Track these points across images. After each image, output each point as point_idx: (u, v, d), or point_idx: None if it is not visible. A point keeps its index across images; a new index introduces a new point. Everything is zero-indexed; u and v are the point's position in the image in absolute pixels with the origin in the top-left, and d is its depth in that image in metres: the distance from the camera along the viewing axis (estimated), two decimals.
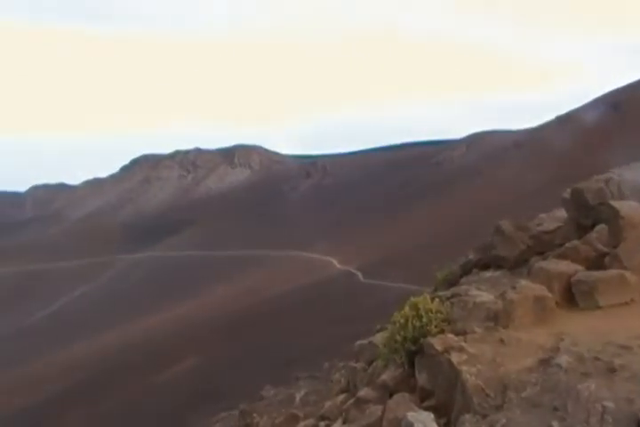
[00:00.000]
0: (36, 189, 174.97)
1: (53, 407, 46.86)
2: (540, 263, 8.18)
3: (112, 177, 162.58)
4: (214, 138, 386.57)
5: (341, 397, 8.98)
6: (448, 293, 9.00)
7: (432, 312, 7.41)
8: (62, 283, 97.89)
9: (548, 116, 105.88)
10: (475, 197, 76.14)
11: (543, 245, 9.57)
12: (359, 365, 9.58)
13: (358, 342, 10.37)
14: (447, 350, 6.50)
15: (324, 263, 68.77)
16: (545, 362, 6.01)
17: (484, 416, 5.62)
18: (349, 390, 9.14)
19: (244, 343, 45.73)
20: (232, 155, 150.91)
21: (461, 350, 6.46)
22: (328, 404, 9.23)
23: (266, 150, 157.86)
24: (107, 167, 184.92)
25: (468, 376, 6.00)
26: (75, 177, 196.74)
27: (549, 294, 7.28)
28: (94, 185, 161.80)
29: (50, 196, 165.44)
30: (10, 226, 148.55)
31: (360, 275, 59.07)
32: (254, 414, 13.62)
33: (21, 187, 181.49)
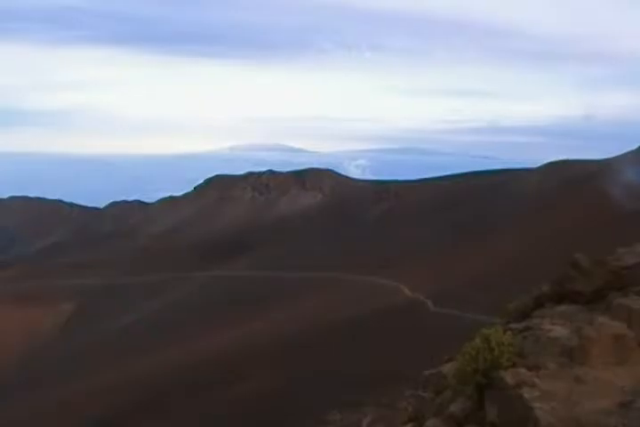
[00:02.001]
0: (114, 205, 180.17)
1: (122, 420, 47.69)
2: (619, 300, 7.95)
3: (186, 196, 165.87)
4: (287, 161, 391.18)
5: (409, 426, 8.89)
6: (520, 325, 8.83)
7: (504, 345, 7.29)
8: (135, 297, 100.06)
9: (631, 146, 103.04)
10: (549, 228, 74.54)
11: (622, 281, 9.31)
12: (427, 394, 9.47)
13: (427, 372, 10.25)
14: (519, 385, 6.36)
15: (394, 289, 68.20)
16: (625, 405, 5.81)
17: None
18: (417, 419, 9.04)
19: (307, 367, 45.66)
20: (304, 178, 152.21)
21: (534, 385, 6.32)
22: None
23: (337, 174, 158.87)
24: (182, 187, 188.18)
25: (540, 413, 5.86)
26: (151, 195, 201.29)
27: (630, 333, 7.06)
28: (169, 203, 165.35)
29: (127, 213, 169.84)
30: (89, 240, 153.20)
31: (430, 303, 58.35)
32: None
33: (101, 203, 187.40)
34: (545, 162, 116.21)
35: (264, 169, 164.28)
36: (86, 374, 66.01)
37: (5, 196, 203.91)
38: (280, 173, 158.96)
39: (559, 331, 7.86)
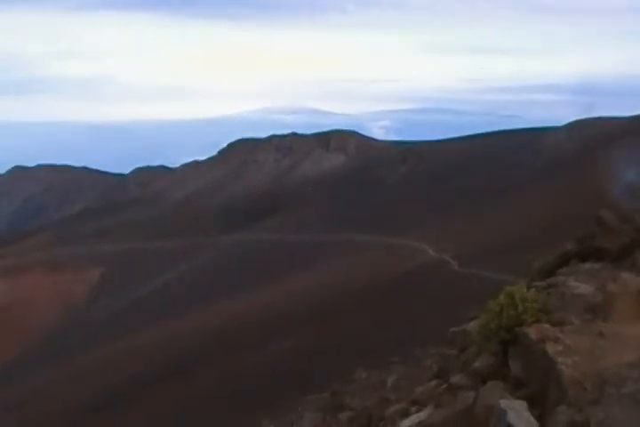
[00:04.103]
0: (138, 171, 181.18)
1: (150, 380, 48.80)
2: None
3: (210, 160, 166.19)
4: (311, 123, 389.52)
5: (433, 382, 9.02)
6: (544, 283, 8.87)
7: (528, 301, 7.33)
8: (162, 262, 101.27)
9: None
10: (575, 187, 73.82)
11: None
12: (452, 352, 9.58)
13: (451, 330, 10.35)
14: (542, 340, 6.42)
15: (419, 251, 68.28)
16: None
17: (580, 409, 5.53)
18: (441, 376, 9.16)
19: (336, 328, 46.18)
20: (328, 140, 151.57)
21: (557, 340, 6.37)
22: (419, 389, 9.29)
23: (362, 136, 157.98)
24: (206, 151, 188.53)
25: (563, 368, 5.92)
26: (174, 160, 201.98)
27: None
28: (193, 168, 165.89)
29: (151, 178, 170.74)
30: (114, 206, 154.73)
31: (455, 263, 58.37)
32: (345, 396, 13.78)
33: (125, 169, 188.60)
34: (571, 120, 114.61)
35: (288, 132, 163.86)
36: (117, 338, 67.37)
37: (32, 164, 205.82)
38: (303, 136, 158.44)
39: (583, 287, 7.89)
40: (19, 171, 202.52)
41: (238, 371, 44.10)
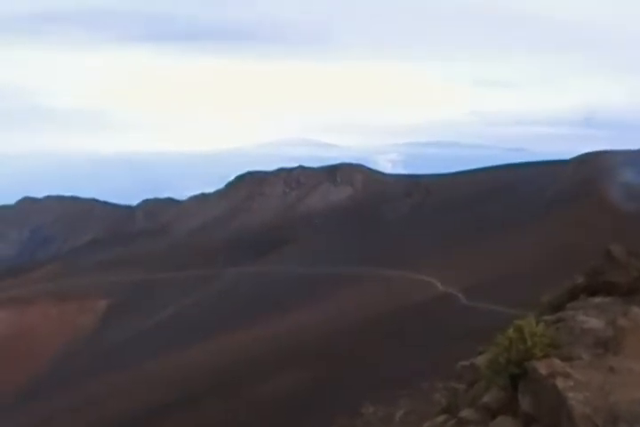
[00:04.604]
0: (146, 203, 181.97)
1: (155, 411, 48.40)
2: None
3: (218, 193, 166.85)
4: (318, 156, 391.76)
5: (442, 417, 8.93)
6: (554, 317, 8.83)
7: (537, 336, 7.30)
8: (168, 294, 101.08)
9: None
10: (582, 220, 73.75)
11: None
12: (460, 386, 9.50)
13: (460, 364, 10.28)
14: (553, 375, 6.37)
15: (425, 284, 68.04)
16: None
17: None
18: (450, 411, 9.07)
19: (343, 362, 45.87)
20: (335, 173, 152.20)
21: (568, 375, 6.32)
22: (427, 424, 9.20)
23: (369, 169, 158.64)
24: (213, 183, 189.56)
25: (574, 403, 5.86)
26: (182, 192, 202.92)
27: None
28: (200, 200, 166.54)
29: (158, 210, 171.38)
30: (122, 237, 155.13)
31: (462, 297, 58.14)
32: None
33: (133, 201, 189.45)
34: (579, 153, 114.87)
35: (295, 165, 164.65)
36: (121, 369, 67.01)
37: (40, 195, 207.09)
38: (311, 169, 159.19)
39: (593, 322, 7.85)
40: (28, 201, 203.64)
41: (245, 403, 43.72)
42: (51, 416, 58.41)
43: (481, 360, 9.02)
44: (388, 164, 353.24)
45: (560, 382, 6.20)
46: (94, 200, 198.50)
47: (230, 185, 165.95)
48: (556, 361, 6.66)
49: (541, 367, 6.57)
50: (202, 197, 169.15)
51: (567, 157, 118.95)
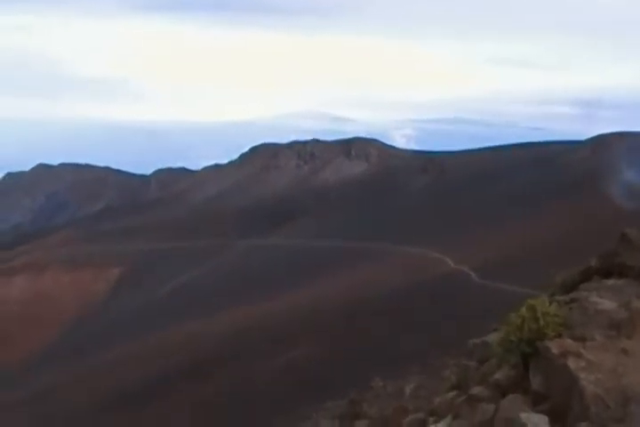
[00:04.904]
0: (160, 172, 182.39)
1: (164, 381, 48.98)
2: None
3: (231, 164, 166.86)
4: (333, 130, 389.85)
5: (452, 393, 8.98)
6: (567, 297, 8.82)
7: (549, 315, 7.31)
8: (181, 263, 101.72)
9: None
10: (598, 201, 73.27)
11: None
12: (471, 363, 9.54)
13: (471, 341, 10.32)
14: (564, 355, 6.39)
15: (438, 261, 68.03)
16: None
17: None
18: (460, 387, 9.12)
19: (355, 336, 46.14)
20: (349, 147, 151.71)
21: (580, 356, 6.33)
22: (438, 399, 9.26)
23: (383, 144, 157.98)
24: (227, 154, 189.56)
25: (586, 384, 5.88)
26: (196, 162, 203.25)
27: None
28: (214, 171, 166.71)
29: (172, 179, 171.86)
30: (136, 206, 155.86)
31: (474, 275, 58.13)
32: (363, 404, 13.77)
33: (147, 170, 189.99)
34: (596, 134, 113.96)
35: (309, 138, 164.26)
36: (132, 337, 67.70)
37: (56, 163, 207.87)
38: (325, 142, 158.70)
39: (607, 303, 7.84)
40: (42, 169, 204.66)
41: (254, 376, 44.14)
42: (60, 383, 59.25)
43: (493, 338, 9.06)
44: (402, 139, 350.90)
45: (572, 363, 6.21)
46: (108, 168, 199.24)
47: (244, 156, 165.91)
48: (569, 341, 6.66)
49: (553, 347, 6.58)
50: (216, 168, 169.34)
51: (583, 137, 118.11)
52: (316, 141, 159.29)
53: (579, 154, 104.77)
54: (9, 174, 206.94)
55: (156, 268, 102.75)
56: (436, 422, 8.47)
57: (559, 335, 7.03)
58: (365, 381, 17.66)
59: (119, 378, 53.62)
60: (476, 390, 7.79)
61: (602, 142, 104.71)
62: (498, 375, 7.64)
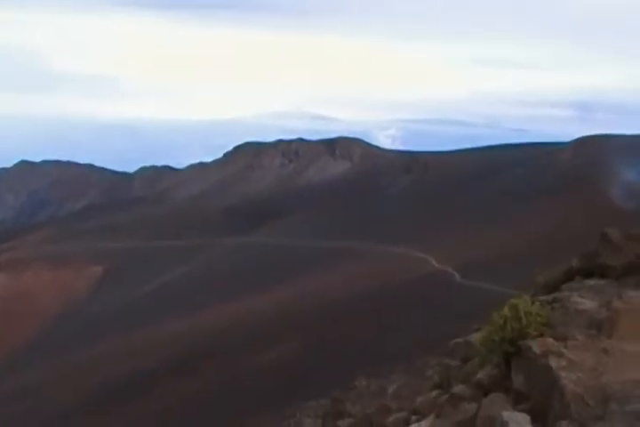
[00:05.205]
0: (143, 170, 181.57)
1: (146, 378, 48.84)
2: None
3: (216, 162, 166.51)
4: (318, 129, 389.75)
5: (434, 393, 9.04)
6: (549, 297, 8.90)
7: (532, 315, 7.36)
8: (163, 262, 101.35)
9: None
10: (580, 202, 73.85)
11: None
12: (454, 362, 9.61)
13: (454, 341, 10.38)
14: (546, 355, 6.44)
15: (421, 261, 68.29)
16: None
17: (583, 425, 5.54)
18: (443, 386, 9.19)
19: (338, 335, 46.22)
20: (334, 146, 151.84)
21: (561, 355, 6.40)
22: (420, 399, 9.32)
23: (367, 144, 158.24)
24: (212, 153, 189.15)
25: (567, 382, 5.94)
26: (180, 161, 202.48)
27: None
28: (198, 169, 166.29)
29: (156, 177, 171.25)
30: (118, 203, 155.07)
31: (457, 275, 58.41)
32: (346, 403, 13.81)
33: (131, 168, 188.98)
34: (579, 136, 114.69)
35: (294, 137, 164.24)
36: (116, 335, 67.43)
37: (38, 160, 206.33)
38: (309, 141, 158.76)
39: (588, 303, 7.92)
40: (25, 165, 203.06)
41: (238, 374, 44.12)
42: (42, 381, 58.89)
43: (475, 338, 9.12)
44: (386, 139, 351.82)
45: (553, 362, 6.27)
46: (92, 166, 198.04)
47: (228, 155, 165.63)
48: (550, 341, 6.73)
49: (535, 346, 6.64)
50: (200, 166, 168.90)
51: (567, 139, 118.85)
52: (300, 141, 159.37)
53: (561, 155, 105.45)
54: None
55: (139, 266, 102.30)
56: (418, 420, 8.52)
57: (541, 335, 7.08)
58: (349, 380, 17.73)
59: (104, 375, 53.39)
60: (459, 389, 7.85)
61: (584, 144, 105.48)
62: (480, 375, 7.70)
